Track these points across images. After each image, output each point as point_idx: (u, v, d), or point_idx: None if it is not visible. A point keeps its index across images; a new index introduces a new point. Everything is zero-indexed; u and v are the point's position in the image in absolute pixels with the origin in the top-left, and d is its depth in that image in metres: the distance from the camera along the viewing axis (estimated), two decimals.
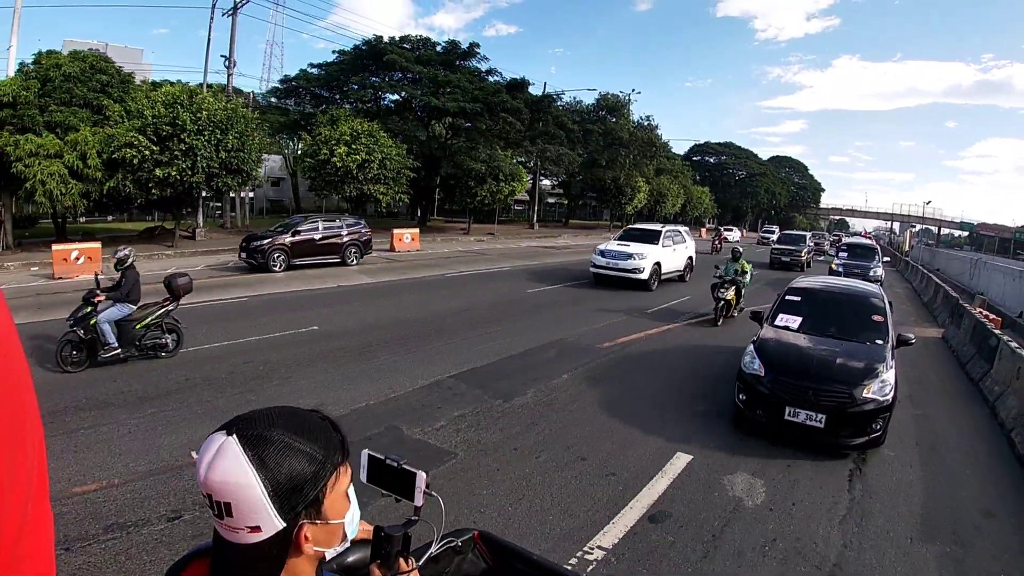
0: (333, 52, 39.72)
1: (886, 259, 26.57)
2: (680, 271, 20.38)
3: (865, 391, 6.51)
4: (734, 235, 57.39)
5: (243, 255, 18.33)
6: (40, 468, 1.18)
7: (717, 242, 39.68)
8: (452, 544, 1.80)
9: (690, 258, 21.19)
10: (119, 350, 8.37)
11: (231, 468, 1.02)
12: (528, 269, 22.12)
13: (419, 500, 1.47)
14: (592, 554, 4.45)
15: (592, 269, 18.45)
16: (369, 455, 1.55)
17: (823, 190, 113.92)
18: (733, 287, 13.81)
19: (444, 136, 38.84)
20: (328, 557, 1.23)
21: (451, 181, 37.86)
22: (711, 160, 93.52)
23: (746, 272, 14.28)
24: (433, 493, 1.50)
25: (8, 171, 18.45)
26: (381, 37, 37.44)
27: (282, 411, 1.14)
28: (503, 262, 24.33)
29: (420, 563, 1.44)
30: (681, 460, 6.23)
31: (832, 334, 7.86)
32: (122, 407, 6.86)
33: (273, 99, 39.36)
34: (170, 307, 8.90)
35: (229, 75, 29.37)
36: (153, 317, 8.69)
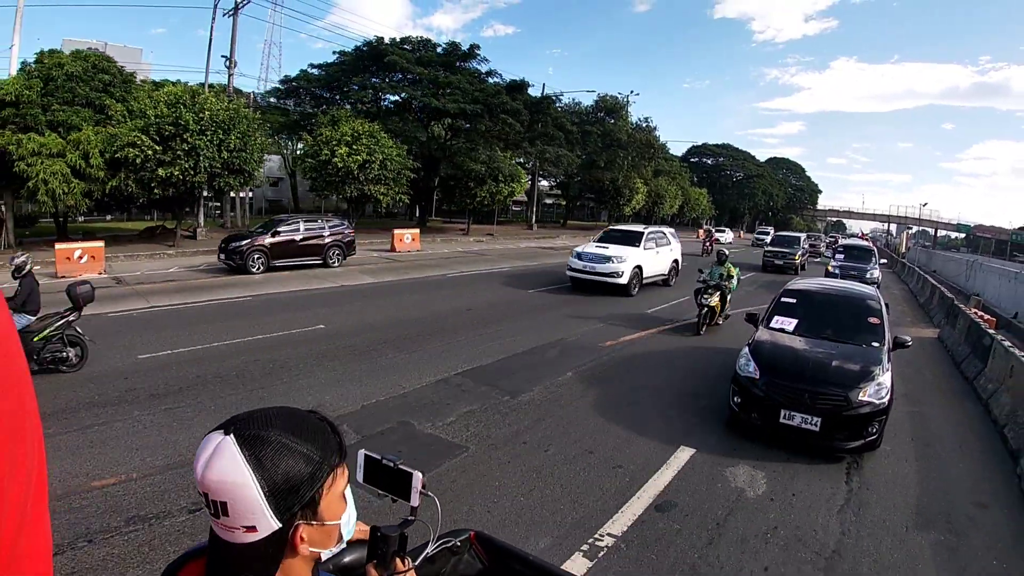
0: (334, 53, 40.03)
1: (883, 261, 26.28)
2: (664, 275, 19.38)
3: (861, 394, 6.44)
4: (727, 237, 55.60)
5: (222, 256, 17.96)
6: (39, 468, 1.16)
7: (708, 244, 38.01)
8: (448, 544, 1.81)
9: (676, 261, 20.13)
10: None
11: (228, 467, 1.03)
12: (528, 270, 22.24)
13: (415, 500, 1.47)
14: (603, 540, 4.65)
15: (568, 272, 17.48)
16: (366, 455, 1.56)
17: (820, 192, 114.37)
18: (718, 293, 12.81)
19: (443, 137, 38.97)
20: (324, 558, 1.25)
21: (451, 182, 38.03)
22: (709, 161, 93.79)
23: (732, 276, 13.33)
24: (429, 493, 1.49)
25: (10, 170, 18.51)
26: (382, 38, 37.64)
27: (280, 411, 1.14)
28: (503, 263, 24.49)
29: (416, 563, 1.43)
30: (684, 453, 6.43)
31: (828, 336, 7.78)
32: (134, 404, 6.97)
33: (272, 99, 39.49)
34: (71, 318, 8.11)
35: (230, 75, 29.49)
36: (52, 329, 7.92)
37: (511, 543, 1.96)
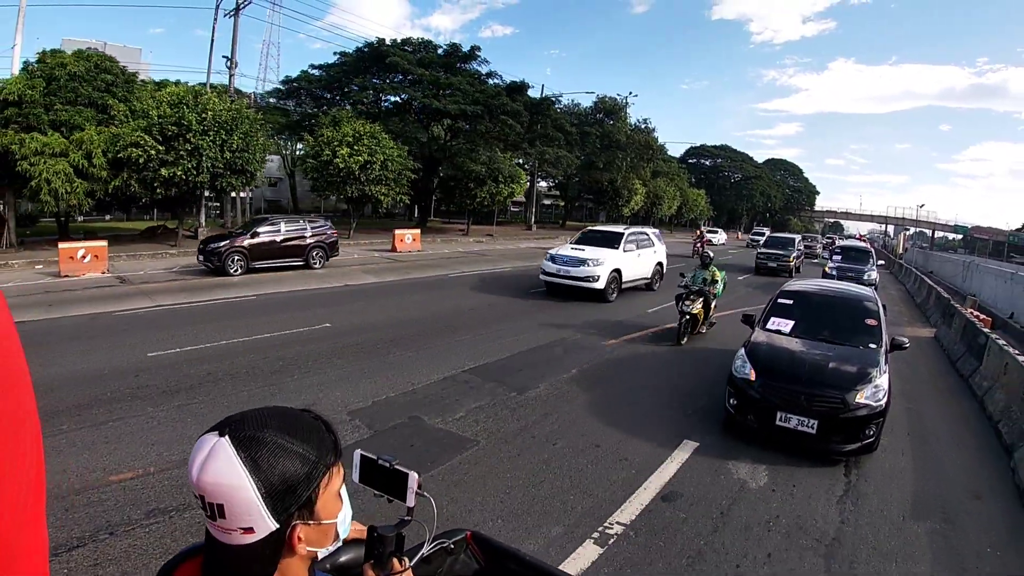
0: (335, 54, 40.03)
1: (880, 262, 26.18)
2: (647, 279, 18.25)
3: (858, 396, 6.38)
4: (720, 238, 54.15)
5: (200, 257, 17.63)
6: (38, 467, 1.18)
7: (699, 245, 35.33)
8: (444, 545, 1.82)
9: (659, 264, 19.04)
10: None
11: (224, 470, 1.03)
12: (529, 270, 22.21)
13: (411, 501, 1.47)
14: (612, 529, 4.84)
15: (542, 276, 16.41)
16: (362, 455, 1.56)
17: (818, 193, 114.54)
18: (700, 299, 11.79)
19: (443, 138, 39.13)
20: (320, 557, 1.25)
21: (451, 182, 38.15)
22: (707, 163, 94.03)
23: (716, 281, 12.32)
24: (425, 494, 1.49)
25: (13, 170, 18.57)
26: (383, 39, 37.82)
27: (274, 411, 1.14)
28: (504, 263, 24.65)
29: (412, 563, 1.44)
30: (688, 447, 6.61)
31: (825, 338, 7.70)
32: (147, 400, 7.07)
33: (271, 99, 39.59)
34: None
35: (231, 75, 29.59)
36: None
37: (507, 543, 1.97)
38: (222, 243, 17.33)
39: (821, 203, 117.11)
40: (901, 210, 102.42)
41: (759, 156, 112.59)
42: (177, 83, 27.37)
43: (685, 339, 11.52)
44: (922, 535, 5.12)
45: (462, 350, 10.08)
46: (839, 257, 23.73)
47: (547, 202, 74.84)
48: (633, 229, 18.05)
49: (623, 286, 16.54)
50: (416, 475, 1.45)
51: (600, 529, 4.83)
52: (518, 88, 39.95)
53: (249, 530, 1.05)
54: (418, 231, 29.32)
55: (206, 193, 24.46)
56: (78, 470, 5.28)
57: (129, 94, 22.20)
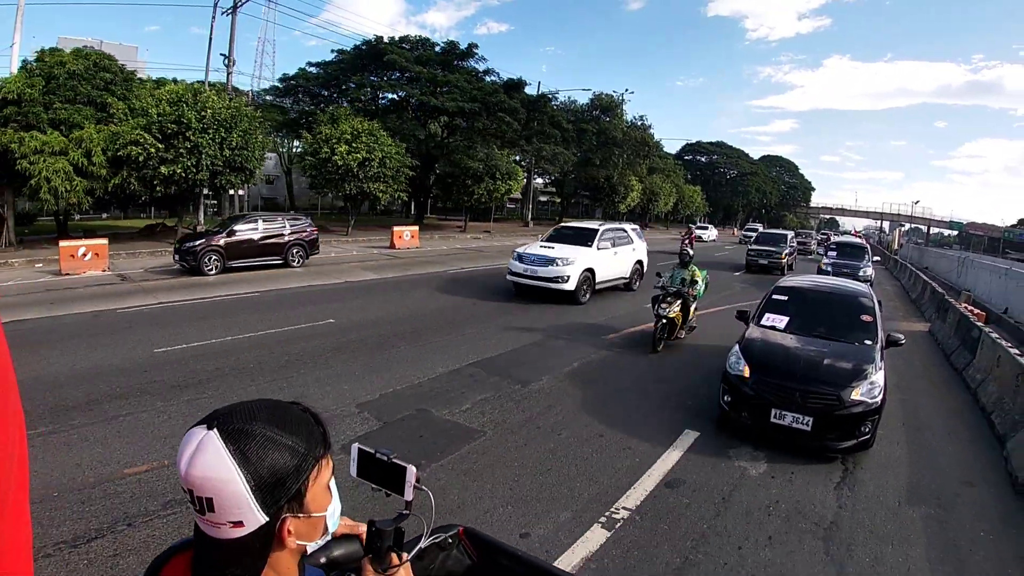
0: (332, 51, 40.31)
1: (876, 258, 26.07)
2: (625, 278, 17.20)
3: (853, 393, 6.32)
4: (710, 234, 53.06)
5: (176, 257, 17.17)
6: (21, 462, 1.17)
7: (687, 242, 34.43)
8: (438, 540, 1.81)
9: (639, 262, 17.87)
10: None
11: (212, 463, 1.02)
12: None
13: (409, 495, 1.46)
14: (618, 514, 5.02)
15: (509, 277, 15.27)
16: (359, 449, 1.55)
17: (813, 189, 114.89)
18: (679, 301, 10.76)
19: (440, 135, 39.21)
20: (310, 551, 1.24)
21: (448, 179, 38.24)
22: (703, 159, 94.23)
23: (696, 281, 11.29)
24: (424, 488, 1.49)
25: (12, 168, 18.64)
26: (381, 37, 37.82)
27: (263, 404, 1.13)
28: (502, 259, 24.58)
29: (410, 557, 1.43)
30: (690, 436, 6.80)
31: (820, 334, 7.60)
32: (157, 395, 7.16)
33: (268, 97, 39.60)
34: None
35: (229, 73, 29.56)
36: None
37: (500, 539, 1.96)
38: (197, 242, 16.91)
39: (817, 199, 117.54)
40: (896, 206, 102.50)
41: (755, 153, 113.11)
42: (175, 81, 27.44)
43: (661, 346, 10.61)
44: (917, 520, 5.29)
45: (466, 344, 10.25)
46: (834, 253, 23.60)
47: (543, 199, 74.99)
48: (609, 225, 16.94)
49: (597, 287, 15.52)
50: (414, 469, 1.45)
51: (607, 514, 5.00)
52: (515, 85, 40.03)
53: (239, 524, 1.05)
54: (416, 228, 29.46)
55: (204, 191, 24.53)
56: (92, 464, 5.38)
57: (128, 92, 22.26)
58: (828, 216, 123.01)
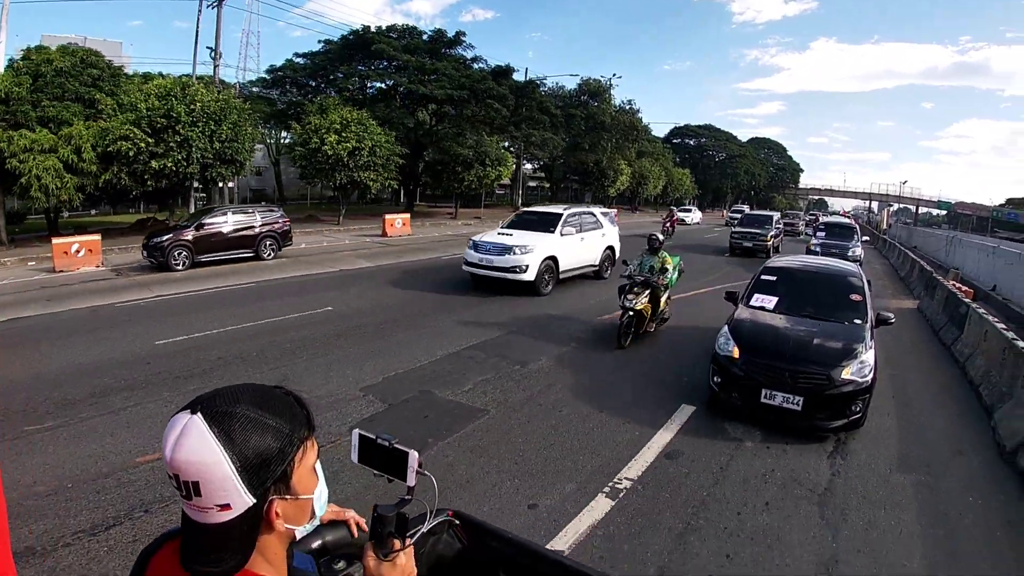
0: (319, 42, 39.74)
1: (865, 238, 25.89)
2: (594, 265, 16.05)
3: (843, 372, 6.30)
4: (693, 217, 50.66)
5: (144, 252, 16.60)
6: None
7: (668, 225, 32.99)
8: (435, 526, 1.80)
9: (610, 248, 16.70)
10: None
11: (197, 446, 1.02)
12: None
13: (411, 480, 1.45)
14: (621, 484, 5.23)
15: (464, 267, 14.18)
16: (360, 434, 1.54)
17: (802, 171, 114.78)
18: (647, 291, 9.80)
19: (429, 123, 39.14)
20: (299, 536, 1.24)
21: (438, 167, 38.17)
22: (691, 142, 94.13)
23: (667, 269, 10.29)
24: (426, 472, 1.48)
25: (2, 167, 18.56)
26: (368, 27, 37.65)
27: (246, 387, 1.13)
28: None
29: (412, 541, 1.39)
30: (686, 410, 7.00)
31: (809, 314, 7.54)
32: (162, 386, 7.26)
33: (255, 89, 39.37)
34: None
35: (215, 66, 29.38)
36: None
37: (490, 522, 1.96)
38: (164, 237, 16.42)
39: (805, 181, 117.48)
40: (885, 187, 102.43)
41: (743, 135, 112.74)
42: (161, 75, 27.27)
43: (628, 340, 9.72)
44: (908, 486, 5.50)
45: (463, 328, 10.40)
46: (823, 234, 23.47)
47: (532, 184, 74.86)
48: (575, 209, 15.76)
49: (561, 276, 14.47)
50: (416, 454, 1.45)
51: (610, 484, 5.20)
52: (503, 72, 39.97)
53: (226, 507, 1.04)
54: (407, 216, 29.50)
55: (195, 184, 24.47)
56: (104, 454, 5.47)
57: (116, 88, 22.12)
58: (817, 197, 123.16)
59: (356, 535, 1.74)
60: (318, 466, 1.24)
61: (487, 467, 5.45)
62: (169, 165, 20.57)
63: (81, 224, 26.82)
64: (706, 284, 16.13)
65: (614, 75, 65.91)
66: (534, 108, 41.77)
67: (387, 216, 27.79)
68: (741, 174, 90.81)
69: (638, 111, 59.98)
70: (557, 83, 54.85)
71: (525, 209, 17.02)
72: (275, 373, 7.83)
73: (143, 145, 19.93)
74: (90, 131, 19.89)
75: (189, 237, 16.64)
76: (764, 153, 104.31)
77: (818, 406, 6.27)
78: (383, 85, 38.86)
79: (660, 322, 10.72)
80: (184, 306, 11.78)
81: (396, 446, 1.47)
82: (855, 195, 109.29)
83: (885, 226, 50.79)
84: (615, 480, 5.28)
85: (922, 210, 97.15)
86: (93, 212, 36.00)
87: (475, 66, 39.66)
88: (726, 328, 7.31)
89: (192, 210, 25.67)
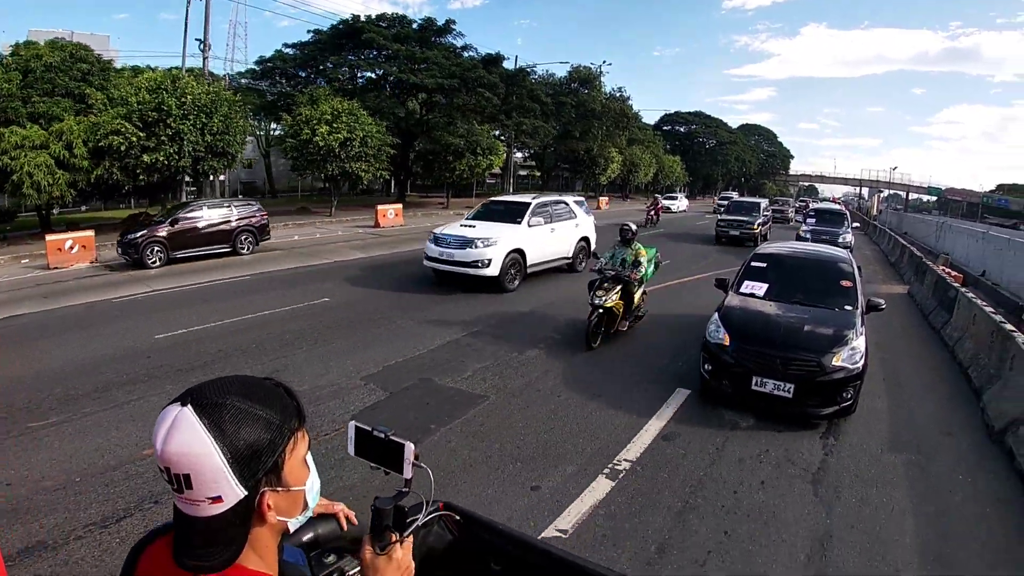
0: (308, 32, 39.46)
1: (855, 224, 25.89)
2: (567, 258, 15.09)
3: (834, 359, 6.28)
4: (679, 204, 49.06)
5: (119, 250, 16.27)
6: None
7: (653, 213, 32.23)
8: (429, 518, 1.74)
9: (584, 239, 15.71)
10: None
11: (188, 438, 1.01)
12: None
13: (408, 472, 1.45)
14: (620, 465, 5.38)
15: (425, 262, 13.32)
16: (356, 427, 1.53)
17: (792, 157, 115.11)
18: (618, 287, 9.06)
19: (419, 112, 39.07)
20: (292, 529, 1.23)
21: (430, 156, 38.12)
22: (681, 129, 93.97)
23: (640, 262, 9.49)
24: (422, 465, 1.48)
25: None
26: (358, 16, 37.46)
27: (235, 379, 1.14)
28: None
29: (407, 533, 1.38)
30: (681, 394, 7.16)
31: (800, 301, 7.50)
32: (164, 379, 7.30)
33: (243, 80, 39.15)
34: None
35: (205, 58, 29.13)
36: None
37: (479, 512, 1.95)
38: (138, 234, 15.92)
39: (795, 167, 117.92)
40: (875, 173, 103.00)
41: (733, 122, 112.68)
42: (151, 68, 27.10)
43: (598, 341, 9.04)
44: (899, 465, 5.66)
45: (460, 316, 10.51)
46: (813, 220, 23.34)
47: (523, 173, 74.68)
48: (544, 199, 15.03)
49: (529, 270, 13.56)
50: (412, 446, 1.44)
51: (610, 466, 5.36)
52: (494, 60, 39.87)
53: (217, 499, 1.04)
54: (400, 206, 29.48)
55: (186, 178, 24.40)
56: (110, 448, 5.54)
57: (106, 82, 22.00)
58: (807, 183, 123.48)
59: (346, 528, 1.75)
60: (309, 457, 1.22)
61: (489, 451, 5.58)
62: (161, 159, 20.43)
63: (73, 221, 26.63)
64: (697, 271, 16.23)
65: (604, 62, 65.96)
66: (525, 96, 41.70)
67: (379, 207, 27.78)
68: (732, 161, 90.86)
69: (628, 98, 59.87)
70: (547, 71, 54.69)
71: (492, 199, 16.11)
72: (275, 364, 7.90)
73: (134, 139, 19.76)
74: (81, 126, 19.73)
75: (163, 233, 16.20)
76: (754, 139, 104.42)
77: (809, 393, 6.26)
78: (373, 75, 38.73)
79: (635, 320, 9.98)
80: (180, 300, 11.79)
81: (392, 438, 1.48)
82: (845, 181, 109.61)
83: (875, 212, 51.15)
84: (614, 462, 5.43)
85: (912, 196, 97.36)
86: (83, 208, 35.79)
87: (465, 54, 39.59)
88: (716, 316, 7.28)
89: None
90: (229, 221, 17.91)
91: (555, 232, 14.45)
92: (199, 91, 21.53)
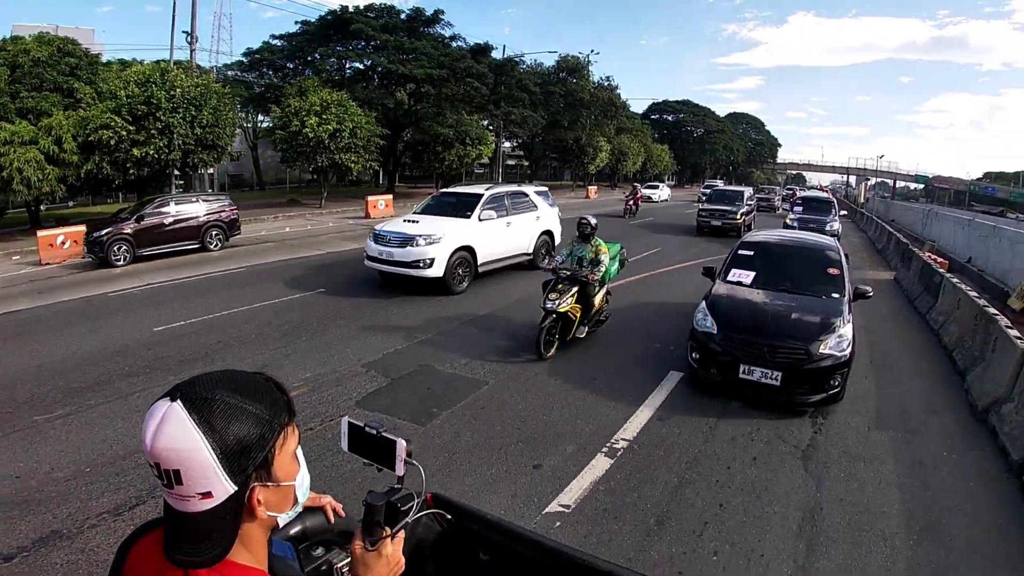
0: (296, 23, 39.14)
1: (843, 212, 25.86)
2: (527, 254, 13.88)
3: (822, 347, 6.30)
4: (660, 193, 46.84)
5: (85, 248, 15.64)
6: None
7: (631, 203, 30.66)
8: (419, 516, 1.71)
9: (547, 233, 14.50)
10: None
11: (177, 433, 1.01)
12: None
13: (400, 469, 1.46)
14: (618, 444, 5.59)
15: (366, 262, 12.16)
16: (349, 422, 1.53)
17: (780, 145, 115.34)
18: (574, 289, 8.02)
19: (407, 103, 39.04)
20: (282, 524, 1.23)
21: (419, 147, 38.14)
22: (669, 118, 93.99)
23: (600, 261, 8.42)
24: (414, 462, 1.48)
25: None
26: (346, 7, 37.34)
27: (224, 374, 1.14)
28: None
29: (396, 529, 1.38)
30: (674, 376, 7.37)
31: (787, 289, 7.51)
32: (167, 370, 7.35)
33: (230, 72, 38.96)
34: None
35: (192, 51, 29.01)
36: None
37: (468, 503, 1.96)
38: (104, 232, 15.30)
39: (783, 155, 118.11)
40: (863, 161, 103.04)
41: (721, 110, 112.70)
42: (139, 61, 26.95)
43: (552, 350, 8.04)
44: (886, 442, 5.89)
45: (455, 305, 10.68)
46: (800, 208, 23.11)
47: (511, 163, 74.66)
48: (500, 189, 13.71)
49: (481, 269, 12.38)
50: (404, 443, 1.45)
51: (608, 445, 5.56)
52: (482, 50, 39.89)
53: (207, 495, 1.04)
54: (390, 197, 29.46)
55: (175, 172, 24.33)
56: (118, 438, 5.60)
57: (94, 76, 21.83)
58: (795, 172, 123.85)
59: (333, 521, 1.76)
60: (299, 452, 1.22)
61: (491, 433, 5.76)
62: (151, 152, 20.37)
63: (63, 216, 26.46)
64: (685, 259, 16.43)
65: (592, 51, 65.77)
66: (513, 86, 41.77)
67: (369, 198, 27.80)
68: (720, 149, 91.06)
69: (616, 87, 59.82)
70: (536, 60, 54.71)
71: (444, 190, 14.97)
72: (276, 353, 8.02)
73: (124, 133, 19.70)
74: (70, 121, 19.59)
75: (129, 230, 15.62)
76: (742, 128, 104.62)
77: (797, 381, 6.29)
78: (361, 65, 38.63)
79: (596, 325, 8.94)
80: (176, 293, 11.83)
81: (384, 435, 1.49)
82: (833, 169, 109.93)
83: (863, 200, 51.31)
84: (612, 441, 5.64)
85: (900, 184, 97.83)
86: (71, 204, 35.56)
87: (454, 44, 39.55)
88: (704, 304, 7.29)
89: None
90: (197, 216, 17.35)
91: (512, 226, 13.26)
92: (188, 84, 21.45)
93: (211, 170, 35.40)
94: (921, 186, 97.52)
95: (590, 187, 51.02)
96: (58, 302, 11.21)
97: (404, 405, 6.38)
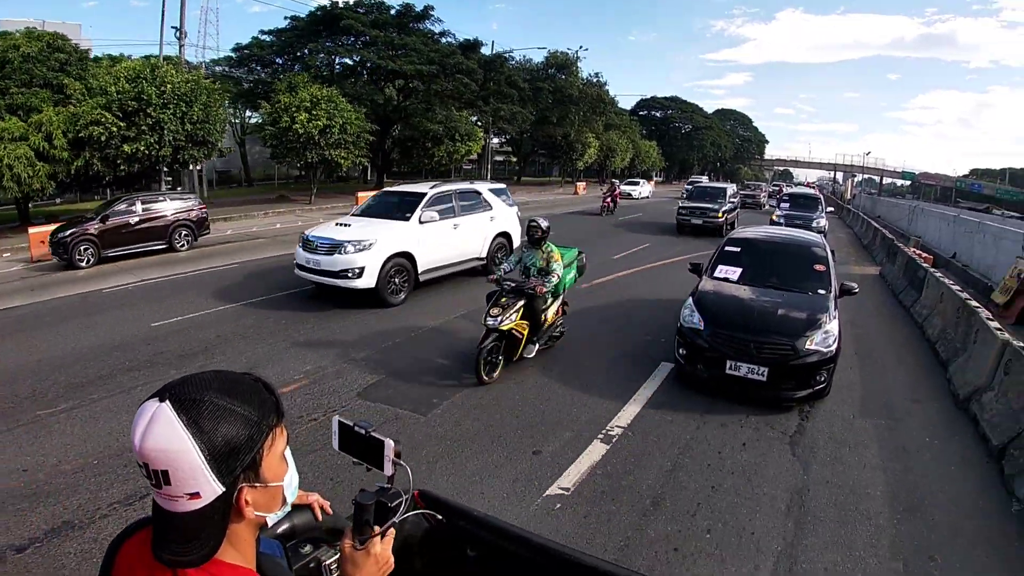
0: (285, 18, 39.03)
1: (830, 209, 25.90)
2: (479, 259, 12.62)
3: (808, 343, 6.33)
4: (641, 190, 45.19)
5: (50, 249, 15.29)
6: None
7: (609, 200, 29.12)
8: (406, 516, 1.69)
9: (503, 235, 13.26)
10: None
11: (165, 434, 1.01)
12: None
13: (388, 469, 1.46)
14: (613, 431, 5.81)
15: (296, 271, 10.95)
16: (339, 422, 1.54)
17: (767, 142, 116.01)
18: (520, 303, 7.05)
19: (397, 98, 39.06)
20: (270, 523, 1.23)
21: (408, 142, 38.24)
22: (657, 114, 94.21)
23: (552, 270, 7.35)
24: (402, 463, 1.49)
25: None
26: (336, 2, 37.33)
27: (214, 375, 1.13)
28: None
29: (384, 528, 1.39)
30: (665, 367, 7.59)
31: (774, 285, 7.55)
32: (168, 365, 7.41)
33: (219, 68, 38.81)
34: None
35: (181, 46, 28.88)
36: None
37: (455, 499, 1.97)
38: (68, 232, 14.91)
39: (771, 152, 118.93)
40: (850, 157, 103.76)
41: (709, 107, 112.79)
42: (124, 56, 26.83)
43: (496, 372, 7.04)
44: (870, 429, 6.12)
45: (448, 299, 10.88)
46: (787, 204, 23.01)
47: (499, 158, 74.62)
48: (447, 188, 12.32)
49: (423, 277, 11.20)
50: (392, 443, 1.46)
51: (604, 431, 5.78)
52: (472, 46, 40.01)
53: (195, 495, 1.04)
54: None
55: (164, 168, 24.29)
56: (123, 430, 5.61)
57: (84, 72, 21.72)
58: (782, 168, 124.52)
59: (320, 518, 1.75)
60: (288, 453, 1.22)
61: (490, 421, 5.95)
62: (142, 148, 20.33)
63: (52, 213, 26.31)
64: (672, 256, 16.60)
65: (580, 47, 65.87)
66: (502, 82, 41.88)
67: (360, 194, 27.72)
68: (707, 145, 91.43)
69: (605, 83, 59.94)
70: (524, 56, 54.59)
71: (386, 189, 13.63)
72: (277, 347, 8.12)
73: (115, 129, 19.66)
74: (60, 117, 19.48)
75: (93, 231, 15.22)
76: (730, 124, 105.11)
77: (783, 376, 6.31)
78: (351, 61, 38.60)
79: (549, 341, 7.97)
80: (171, 289, 11.88)
81: (372, 434, 1.50)
82: (820, 166, 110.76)
83: (849, 196, 51.79)
84: (607, 428, 5.85)
85: (887, 180, 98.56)
86: (58, 201, 35.36)
87: (443, 40, 39.61)
88: (690, 300, 7.32)
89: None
90: (164, 216, 16.87)
91: (460, 229, 11.97)
92: (178, 80, 21.40)
93: (199, 167, 35.32)
94: (908, 183, 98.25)
95: (578, 183, 51.13)
96: (53, 298, 11.25)
97: (404, 396, 6.51)
